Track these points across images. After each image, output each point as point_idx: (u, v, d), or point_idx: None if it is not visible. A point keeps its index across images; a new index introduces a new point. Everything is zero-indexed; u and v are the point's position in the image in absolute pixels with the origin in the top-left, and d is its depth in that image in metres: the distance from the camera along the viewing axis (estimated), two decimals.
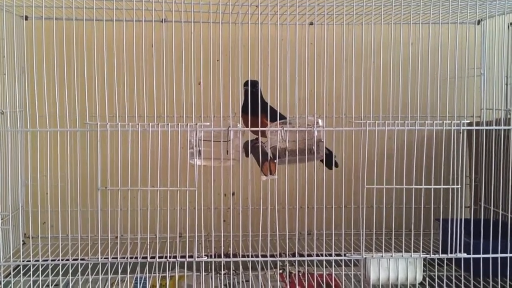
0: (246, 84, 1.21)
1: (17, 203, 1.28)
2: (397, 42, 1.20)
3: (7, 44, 1.12)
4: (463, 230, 1.15)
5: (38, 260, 1.16)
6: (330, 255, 1.21)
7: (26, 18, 1.27)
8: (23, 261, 1.16)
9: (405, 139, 1.18)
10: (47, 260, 1.16)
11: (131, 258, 1.15)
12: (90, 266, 1.18)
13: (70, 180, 1.15)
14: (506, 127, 1.22)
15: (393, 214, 1.21)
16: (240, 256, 1.20)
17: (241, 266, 1.24)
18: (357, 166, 1.20)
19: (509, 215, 1.23)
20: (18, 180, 1.22)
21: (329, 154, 1.21)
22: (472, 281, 1.19)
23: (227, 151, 1.12)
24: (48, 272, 1.16)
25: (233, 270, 1.23)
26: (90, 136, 1.13)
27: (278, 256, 1.18)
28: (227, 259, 1.17)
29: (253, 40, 1.19)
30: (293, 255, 1.22)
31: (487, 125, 1.30)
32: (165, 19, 1.25)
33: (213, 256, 1.18)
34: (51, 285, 1.20)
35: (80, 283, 1.16)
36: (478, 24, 1.37)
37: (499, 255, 1.18)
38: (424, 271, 1.20)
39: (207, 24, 1.21)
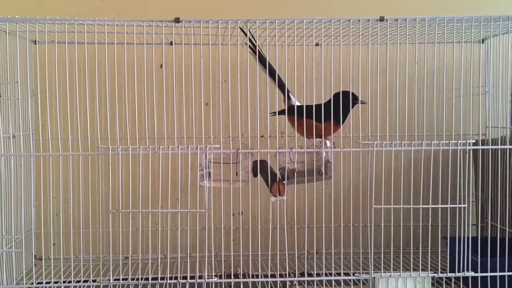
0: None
1: (28, 225, 1.28)
2: (403, 61, 1.22)
3: (20, 68, 1.14)
4: (470, 249, 1.16)
5: (50, 282, 1.17)
6: (339, 274, 1.21)
7: (37, 42, 1.29)
8: (35, 283, 1.17)
9: (411, 158, 1.19)
10: (57, 282, 1.17)
11: (141, 279, 1.16)
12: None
13: (80, 202, 1.16)
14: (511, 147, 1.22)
15: (400, 233, 1.22)
16: (250, 276, 1.21)
17: (250, 286, 1.24)
18: (365, 185, 1.20)
19: None
20: (30, 203, 1.23)
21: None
22: None
23: (237, 173, 1.14)
24: None
25: None
26: (100, 159, 1.14)
27: (287, 276, 1.19)
28: (237, 280, 1.18)
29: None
30: (302, 275, 1.22)
31: (492, 143, 1.30)
32: (173, 41, 1.27)
33: (222, 277, 1.19)
34: None
35: None
36: (483, 42, 1.38)
37: (506, 273, 1.18)
38: None
39: (215, 46, 1.23)
